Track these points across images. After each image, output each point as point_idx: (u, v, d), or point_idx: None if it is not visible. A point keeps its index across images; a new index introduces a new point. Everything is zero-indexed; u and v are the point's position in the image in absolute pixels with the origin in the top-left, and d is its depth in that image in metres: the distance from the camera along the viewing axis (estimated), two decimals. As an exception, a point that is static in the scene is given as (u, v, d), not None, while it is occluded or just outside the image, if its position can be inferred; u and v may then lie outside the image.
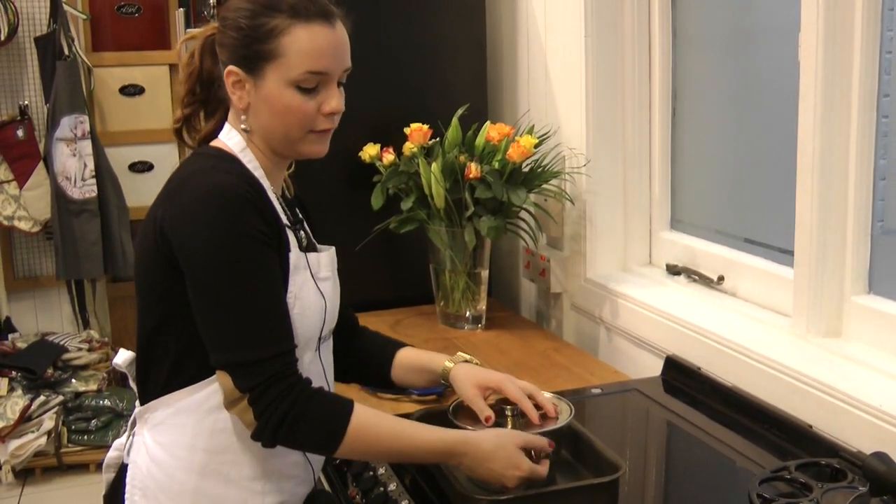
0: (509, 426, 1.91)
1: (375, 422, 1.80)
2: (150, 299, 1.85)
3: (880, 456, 1.70)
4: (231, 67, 1.84)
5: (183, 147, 2.05)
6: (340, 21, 1.88)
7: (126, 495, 1.91)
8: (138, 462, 1.89)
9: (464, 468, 1.80)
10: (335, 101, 1.87)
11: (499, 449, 1.79)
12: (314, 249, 1.99)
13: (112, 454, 2.01)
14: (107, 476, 2.02)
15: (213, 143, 1.92)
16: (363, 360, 2.20)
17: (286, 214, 1.91)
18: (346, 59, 1.90)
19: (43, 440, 4.67)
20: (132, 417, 1.95)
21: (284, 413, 1.72)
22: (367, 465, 2.03)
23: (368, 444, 1.78)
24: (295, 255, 1.86)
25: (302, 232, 1.97)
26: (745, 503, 1.70)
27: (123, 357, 2.00)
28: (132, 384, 1.96)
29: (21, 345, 5.06)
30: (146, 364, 1.88)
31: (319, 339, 1.95)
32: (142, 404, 1.90)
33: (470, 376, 2.04)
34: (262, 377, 1.72)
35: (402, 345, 2.21)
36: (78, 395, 4.81)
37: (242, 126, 1.88)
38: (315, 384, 1.87)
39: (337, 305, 2.03)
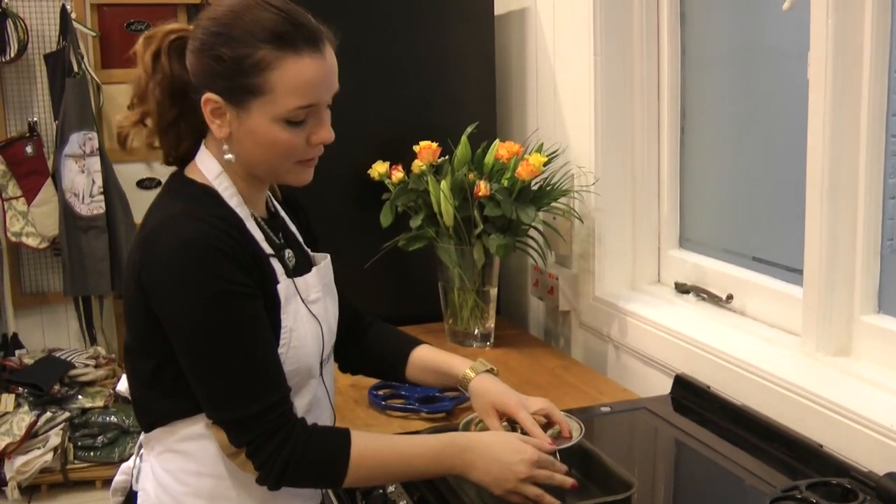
0: None
1: (375, 444, 1.78)
2: (139, 339, 1.79)
3: (894, 476, 1.70)
4: (210, 95, 1.72)
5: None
6: (329, 42, 1.76)
7: None
8: (147, 489, 1.87)
9: (469, 468, 1.78)
10: (324, 131, 1.78)
11: (498, 438, 1.82)
12: (305, 269, 1.92)
13: (119, 478, 2.00)
14: (115, 500, 2.00)
15: (189, 171, 1.82)
16: (377, 356, 2.19)
17: (269, 241, 1.84)
18: (334, 84, 1.78)
19: (49, 456, 4.68)
20: (139, 443, 1.94)
21: (286, 461, 1.70)
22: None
23: (373, 467, 1.77)
24: (283, 284, 1.80)
25: (289, 252, 1.90)
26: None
27: (126, 385, 1.94)
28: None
29: (28, 361, 5.07)
30: (147, 397, 1.83)
31: (321, 363, 1.92)
32: (146, 432, 1.87)
33: (490, 392, 2.01)
34: (256, 431, 1.69)
35: (418, 342, 2.19)
36: (84, 411, 4.81)
37: (226, 156, 1.77)
38: (320, 408, 1.90)
39: (334, 323, 2.00)
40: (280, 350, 1.77)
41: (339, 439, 1.75)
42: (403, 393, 2.51)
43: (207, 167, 1.80)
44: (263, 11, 1.70)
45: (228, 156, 1.77)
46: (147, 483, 1.87)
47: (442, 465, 1.80)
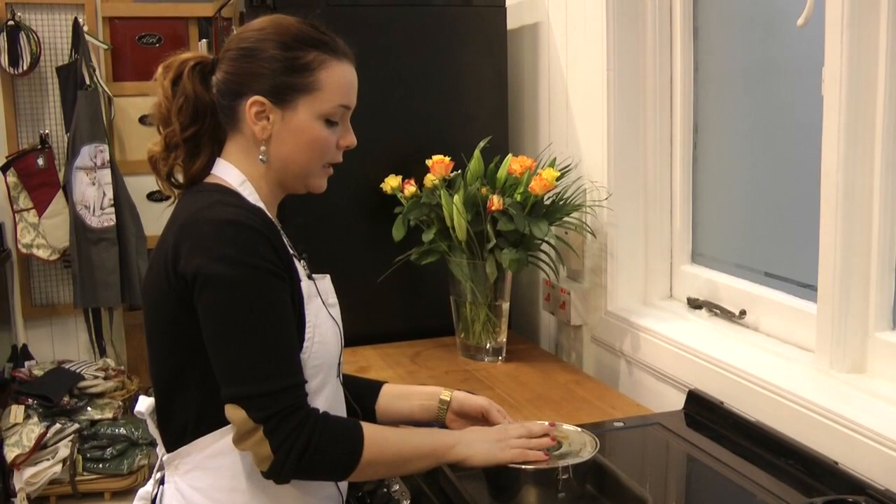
0: (532, 466, 1.89)
1: (382, 432, 1.83)
2: (165, 347, 1.83)
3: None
4: (256, 97, 1.84)
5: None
6: (354, 60, 1.94)
7: None
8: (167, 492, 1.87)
9: (465, 453, 1.86)
10: (351, 136, 1.94)
11: (485, 429, 1.95)
12: (313, 276, 1.98)
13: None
14: None
15: (207, 181, 1.91)
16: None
17: (290, 244, 1.91)
18: (356, 98, 1.95)
19: (58, 468, 4.69)
20: (158, 464, 1.92)
21: (306, 444, 1.70)
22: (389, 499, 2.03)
23: (384, 450, 1.80)
24: (305, 283, 1.86)
25: (305, 257, 1.97)
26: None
27: (146, 404, 1.95)
28: (151, 430, 1.93)
29: (38, 372, 5.09)
30: (172, 411, 1.85)
31: (339, 364, 1.97)
32: (169, 451, 1.87)
33: (476, 397, 2.15)
34: (277, 408, 1.70)
35: (382, 383, 2.23)
36: (93, 423, 4.82)
37: (261, 157, 1.88)
38: (337, 410, 1.92)
39: (343, 332, 2.03)
40: (306, 344, 1.82)
41: (351, 424, 1.80)
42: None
43: (230, 176, 1.89)
44: (303, 25, 1.88)
45: (262, 157, 1.88)
46: (174, 502, 1.87)
47: (443, 451, 1.87)
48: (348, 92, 1.90)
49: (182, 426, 1.83)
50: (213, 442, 1.81)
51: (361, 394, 2.17)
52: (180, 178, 1.94)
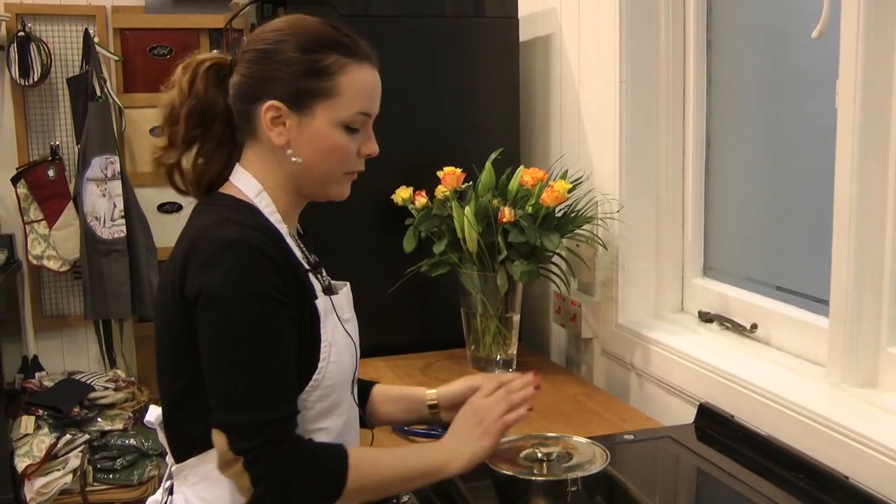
0: (545, 470, 1.90)
1: (368, 455, 1.81)
2: (172, 363, 1.81)
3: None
4: (272, 102, 1.78)
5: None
6: (378, 65, 1.88)
7: None
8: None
9: (458, 464, 1.84)
10: (373, 143, 1.88)
11: (466, 421, 1.90)
12: (332, 290, 1.93)
13: None
14: None
15: (225, 191, 1.86)
16: None
17: (306, 258, 1.88)
18: (379, 103, 1.90)
19: (69, 478, 4.69)
20: (167, 473, 1.91)
21: (286, 476, 1.68)
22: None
23: (371, 476, 1.77)
24: (321, 301, 1.83)
25: (323, 271, 1.94)
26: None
27: (155, 414, 1.93)
28: (162, 440, 1.91)
29: (48, 383, 5.09)
30: (180, 423, 1.84)
31: (353, 381, 1.94)
32: (178, 461, 1.85)
33: (456, 382, 2.14)
34: (258, 440, 1.67)
35: (375, 382, 2.22)
36: (104, 433, 4.82)
37: (294, 159, 1.82)
38: (352, 427, 1.91)
39: (359, 346, 2.01)
40: (321, 364, 1.79)
41: (334, 450, 1.77)
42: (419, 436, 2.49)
43: (247, 185, 1.84)
44: (324, 26, 1.83)
45: (295, 159, 1.82)
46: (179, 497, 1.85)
47: (432, 469, 1.84)
48: (370, 98, 1.84)
49: (190, 439, 1.81)
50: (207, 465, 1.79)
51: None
52: (183, 182, 1.91)
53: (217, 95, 1.85)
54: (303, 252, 1.89)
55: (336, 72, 1.78)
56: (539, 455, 1.94)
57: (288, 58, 1.78)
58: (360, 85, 1.81)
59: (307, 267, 1.85)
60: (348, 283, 2.02)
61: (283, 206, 1.86)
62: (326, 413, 1.81)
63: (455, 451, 1.85)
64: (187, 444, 1.82)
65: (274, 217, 1.82)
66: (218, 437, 1.70)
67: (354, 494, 1.75)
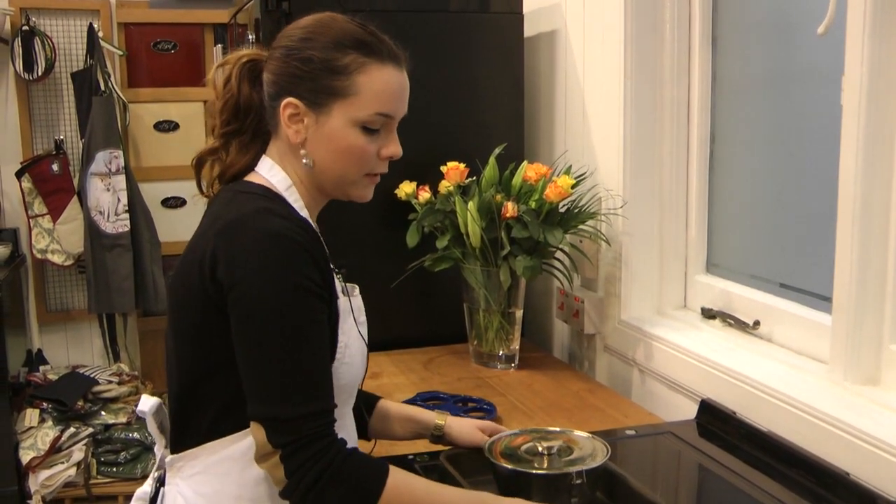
0: (546, 464, 1.90)
1: (411, 482, 1.74)
2: (192, 346, 1.78)
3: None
4: (290, 99, 1.78)
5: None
6: (405, 64, 1.88)
7: None
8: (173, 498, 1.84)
9: None
10: (395, 145, 1.86)
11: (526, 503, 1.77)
12: (348, 292, 1.92)
13: None
14: None
15: (252, 179, 1.85)
16: None
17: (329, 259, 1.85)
18: (406, 105, 1.88)
19: (73, 471, 4.72)
20: (157, 463, 1.91)
21: (318, 475, 1.64)
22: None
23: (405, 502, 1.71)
24: (342, 300, 1.83)
25: (341, 274, 1.92)
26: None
27: (149, 404, 1.91)
28: (152, 430, 1.90)
29: (52, 377, 5.11)
30: (188, 411, 1.81)
31: (359, 387, 1.95)
32: (175, 452, 1.83)
33: (467, 423, 2.16)
34: (297, 434, 1.65)
35: (380, 396, 2.21)
36: (107, 427, 4.85)
37: (304, 161, 1.82)
38: (350, 431, 1.88)
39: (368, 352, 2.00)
40: (334, 365, 1.77)
41: (376, 468, 1.71)
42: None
43: (276, 178, 1.84)
44: (349, 24, 1.82)
45: (306, 160, 1.82)
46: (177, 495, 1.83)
47: None
48: (390, 99, 1.81)
49: (196, 428, 1.79)
50: (224, 447, 1.77)
51: (356, 407, 2.12)
52: (210, 175, 1.92)
53: (251, 91, 1.86)
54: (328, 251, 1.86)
55: (354, 71, 1.77)
56: (540, 449, 1.94)
57: (308, 56, 1.78)
58: (380, 85, 1.80)
59: (334, 268, 1.85)
60: (357, 288, 2.01)
61: (307, 201, 1.86)
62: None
63: None
64: (191, 434, 1.80)
65: (304, 213, 1.83)
66: (256, 430, 1.68)
67: None
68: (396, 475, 1.70)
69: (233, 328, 1.69)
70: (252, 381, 1.69)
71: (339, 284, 1.84)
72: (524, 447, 1.97)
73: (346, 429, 1.87)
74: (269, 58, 1.84)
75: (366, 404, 2.16)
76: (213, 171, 1.92)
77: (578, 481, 1.83)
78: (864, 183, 2.09)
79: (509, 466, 1.89)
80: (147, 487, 1.93)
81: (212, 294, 1.70)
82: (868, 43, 2.04)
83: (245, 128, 1.89)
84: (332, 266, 1.82)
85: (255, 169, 1.86)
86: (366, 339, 1.92)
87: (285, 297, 1.66)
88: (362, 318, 1.93)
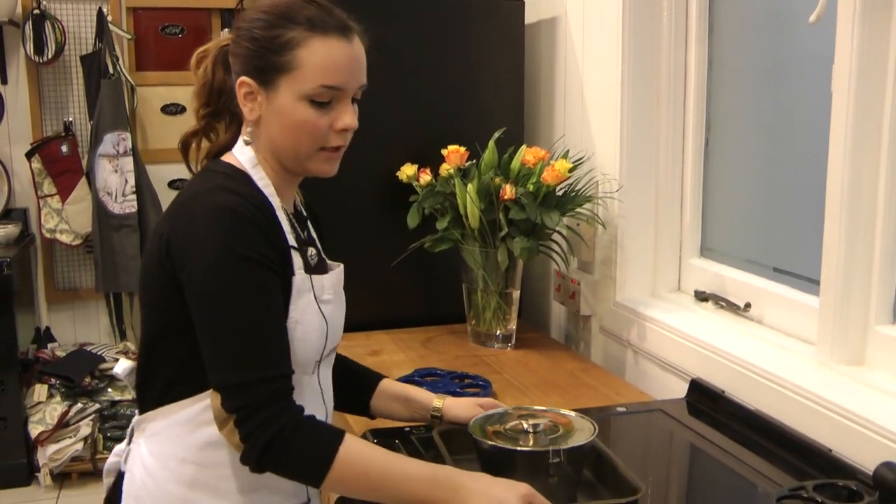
0: (531, 442, 1.88)
1: (367, 451, 1.74)
2: (151, 311, 1.86)
3: (889, 465, 1.74)
4: (243, 78, 1.82)
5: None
6: (358, 37, 1.85)
7: (122, 503, 1.94)
8: (133, 471, 1.91)
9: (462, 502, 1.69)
10: (348, 117, 1.84)
11: (494, 479, 1.73)
12: (322, 269, 1.98)
13: (112, 460, 2.03)
14: (106, 481, 2.04)
15: (225, 158, 1.90)
16: (341, 384, 2.15)
17: (295, 234, 1.90)
18: (361, 76, 1.86)
19: (80, 446, 4.79)
20: (131, 426, 1.96)
21: (270, 438, 1.68)
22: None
23: (359, 473, 1.72)
24: (299, 277, 1.85)
25: (312, 250, 1.96)
26: (763, 520, 1.74)
27: (123, 367, 2.00)
28: (132, 393, 1.97)
29: (60, 353, 5.16)
30: (145, 374, 1.89)
31: (318, 361, 1.94)
32: (140, 414, 1.91)
33: (465, 401, 2.16)
34: (249, 399, 1.69)
35: (383, 376, 2.23)
36: (114, 403, 4.91)
37: (245, 138, 1.87)
38: (311, 406, 1.84)
39: (340, 325, 2.03)
40: None
41: (331, 433, 1.74)
42: (426, 388, 2.52)
43: (245, 157, 1.87)
44: (301, 2, 1.82)
45: (246, 138, 1.87)
46: (134, 466, 1.92)
47: (434, 493, 1.71)
48: (335, 71, 1.80)
49: (154, 391, 1.87)
50: (174, 412, 1.84)
51: (359, 385, 2.20)
52: (196, 158, 1.98)
53: (224, 75, 1.90)
54: (293, 228, 1.90)
55: (296, 45, 1.78)
56: (525, 426, 1.92)
57: (254, 35, 1.81)
58: (322, 58, 1.79)
59: (293, 244, 1.86)
60: (342, 265, 2.06)
61: (274, 180, 1.88)
62: None
63: (471, 490, 1.71)
64: (152, 396, 1.87)
65: (268, 190, 1.86)
66: (213, 398, 1.74)
67: (338, 485, 1.76)
68: (352, 444, 1.73)
69: (189, 301, 1.75)
70: (208, 351, 1.74)
71: (298, 260, 1.86)
72: (509, 424, 1.96)
73: (306, 399, 1.86)
74: (231, 41, 1.88)
75: (368, 383, 2.20)
76: (200, 153, 1.98)
77: (556, 460, 1.81)
78: (852, 169, 2.13)
79: (489, 443, 1.88)
80: (123, 445, 2.00)
81: (166, 265, 1.76)
82: (857, 31, 2.08)
83: (220, 110, 1.94)
84: (292, 243, 1.86)
85: (231, 149, 1.91)
86: (329, 317, 1.93)
87: (233, 268, 1.71)
88: (328, 296, 1.94)
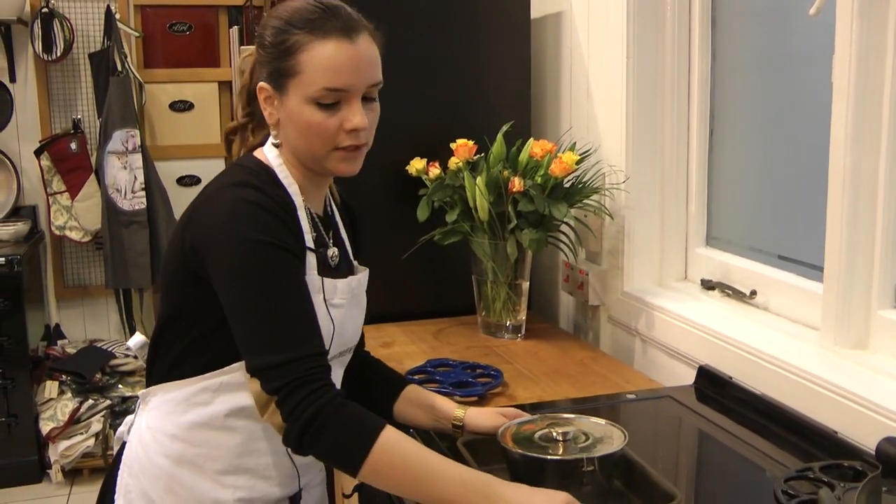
0: (560, 451, 1.85)
1: (405, 444, 1.72)
2: (167, 294, 1.94)
3: (891, 440, 1.78)
4: (261, 84, 1.89)
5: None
6: (368, 34, 1.88)
7: (118, 470, 2.02)
8: (132, 440, 2.01)
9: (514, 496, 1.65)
10: (358, 117, 1.85)
11: (532, 488, 1.68)
12: (343, 273, 2.02)
13: (121, 429, 2.11)
14: (116, 448, 2.12)
15: (256, 154, 1.96)
16: (366, 385, 2.20)
17: (316, 233, 1.96)
18: (369, 74, 1.87)
19: (91, 442, 4.82)
20: (139, 398, 2.06)
21: (312, 416, 1.69)
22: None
23: (394, 466, 1.69)
24: (310, 279, 1.87)
25: (334, 251, 2.01)
26: (770, 500, 1.77)
27: (136, 341, 2.13)
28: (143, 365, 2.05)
29: (70, 350, 5.20)
30: (155, 351, 1.97)
31: None
32: (146, 387, 2.00)
33: (487, 411, 2.13)
34: (288, 378, 1.71)
35: (409, 381, 2.25)
36: (124, 399, 4.94)
37: (272, 141, 1.93)
38: None
39: (354, 329, 2.07)
40: None
41: (371, 421, 1.73)
42: (438, 378, 2.58)
43: (272, 155, 1.93)
44: (307, 5, 1.86)
45: (274, 141, 1.93)
46: (133, 436, 2.02)
47: (468, 497, 1.66)
48: (337, 73, 1.82)
49: (159, 368, 1.96)
50: (174, 389, 1.93)
51: (384, 388, 2.22)
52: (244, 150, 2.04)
53: (255, 79, 1.96)
54: (314, 228, 1.96)
55: (298, 50, 1.82)
56: (555, 435, 1.90)
57: (266, 42, 1.87)
58: (322, 61, 1.81)
59: (309, 245, 1.91)
60: (366, 271, 2.11)
61: (298, 179, 1.94)
62: None
63: (519, 492, 1.66)
64: (155, 373, 1.98)
65: (292, 188, 1.91)
66: (252, 384, 1.77)
67: (373, 475, 1.71)
68: (391, 433, 1.72)
69: (217, 292, 1.80)
70: (241, 338, 1.79)
71: (312, 261, 1.90)
72: (539, 433, 1.93)
73: None
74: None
75: (393, 387, 2.21)
76: (241, 147, 2.05)
77: (590, 468, 1.78)
78: (853, 158, 2.16)
79: (521, 452, 1.85)
80: (131, 416, 2.09)
81: (187, 253, 1.83)
82: (856, 23, 2.11)
83: (256, 111, 2.00)
84: (309, 244, 1.90)
85: (263, 146, 1.97)
86: (337, 322, 1.95)
87: (256, 253, 1.75)
88: (340, 300, 1.97)
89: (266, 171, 1.91)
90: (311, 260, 1.90)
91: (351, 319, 2.03)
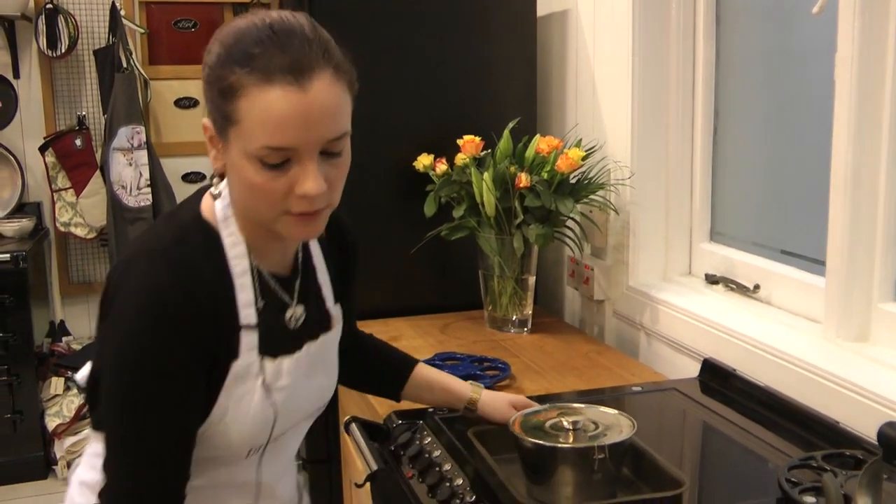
0: (571, 439, 1.83)
1: None
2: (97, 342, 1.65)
3: (893, 424, 1.82)
4: (204, 121, 1.52)
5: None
6: (331, 72, 1.44)
7: None
8: (71, 493, 1.83)
9: None
10: (309, 182, 1.44)
11: None
12: (309, 331, 1.73)
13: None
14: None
15: (204, 199, 1.61)
16: (372, 369, 2.12)
17: (263, 302, 1.62)
18: (325, 128, 1.44)
19: (97, 437, 4.82)
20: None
21: None
22: (422, 449, 2.06)
23: None
24: (242, 362, 1.58)
25: (290, 314, 1.69)
26: (774, 488, 1.80)
27: (82, 374, 1.72)
28: None
29: (76, 347, 5.21)
30: (91, 398, 1.66)
31: (261, 447, 1.70)
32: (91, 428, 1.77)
33: (501, 397, 2.10)
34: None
35: (416, 360, 2.14)
36: (130, 395, 4.95)
37: (211, 190, 1.58)
38: (240, 493, 1.73)
39: (303, 407, 1.77)
40: (202, 427, 1.58)
41: None
42: (446, 371, 2.55)
43: (222, 205, 1.60)
44: (254, 29, 1.44)
45: (213, 191, 1.60)
46: (72, 487, 1.83)
47: None
48: (277, 129, 1.40)
49: (94, 416, 1.71)
50: (100, 443, 1.61)
51: (390, 373, 2.12)
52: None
53: None
54: (265, 296, 1.63)
55: (235, 94, 1.42)
56: (566, 424, 1.88)
57: (207, 70, 1.47)
58: (262, 113, 1.40)
59: (247, 322, 1.59)
60: (337, 329, 1.84)
61: (248, 236, 1.60)
62: (199, 465, 1.60)
63: None
64: (93, 418, 1.73)
65: (235, 250, 1.59)
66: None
67: None
68: None
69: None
70: (106, 442, 1.54)
71: (250, 341, 1.59)
72: (549, 422, 1.90)
73: (232, 486, 1.73)
74: None
75: (400, 371, 2.11)
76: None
77: (601, 456, 1.75)
78: (855, 152, 2.19)
79: (533, 440, 1.82)
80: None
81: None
82: (858, 21, 2.14)
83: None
84: (247, 322, 1.59)
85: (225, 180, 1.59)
86: (281, 406, 1.66)
87: (137, 376, 1.47)
88: (286, 381, 1.66)
89: (204, 231, 1.58)
90: (251, 339, 1.59)
91: (303, 397, 1.75)
